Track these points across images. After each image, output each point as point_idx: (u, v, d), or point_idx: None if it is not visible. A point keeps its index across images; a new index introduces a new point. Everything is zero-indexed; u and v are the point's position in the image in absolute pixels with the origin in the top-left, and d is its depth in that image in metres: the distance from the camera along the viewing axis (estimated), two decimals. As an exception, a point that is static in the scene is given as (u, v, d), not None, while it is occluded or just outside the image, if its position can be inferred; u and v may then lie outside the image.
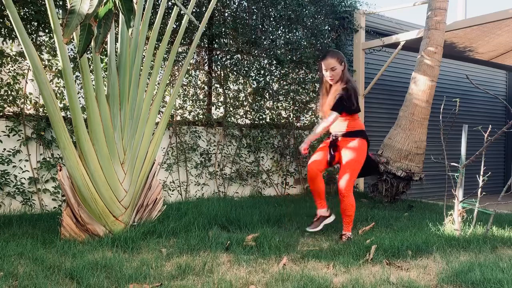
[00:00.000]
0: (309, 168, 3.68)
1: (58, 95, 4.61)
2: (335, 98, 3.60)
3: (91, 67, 3.45)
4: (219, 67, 5.83)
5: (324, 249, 3.24)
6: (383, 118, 7.56)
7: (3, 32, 4.30)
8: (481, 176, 3.73)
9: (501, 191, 3.77)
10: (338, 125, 3.72)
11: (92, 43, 3.01)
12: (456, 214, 3.76)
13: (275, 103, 6.30)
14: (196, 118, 5.64)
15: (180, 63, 5.45)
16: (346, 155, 3.62)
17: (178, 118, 5.52)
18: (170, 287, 2.41)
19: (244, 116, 6.07)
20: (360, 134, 3.70)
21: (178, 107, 5.51)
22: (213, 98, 5.88)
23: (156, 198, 3.78)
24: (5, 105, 4.38)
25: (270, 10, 6.21)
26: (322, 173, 3.69)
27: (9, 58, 4.37)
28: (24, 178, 4.42)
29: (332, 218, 3.81)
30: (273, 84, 6.27)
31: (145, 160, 3.64)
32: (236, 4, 6.02)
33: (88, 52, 4.26)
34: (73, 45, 4.60)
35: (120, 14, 3.52)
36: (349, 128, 3.68)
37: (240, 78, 6.03)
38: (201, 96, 5.76)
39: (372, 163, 3.81)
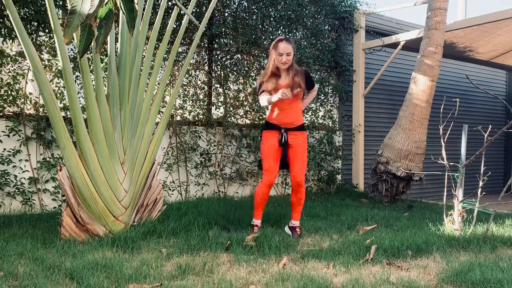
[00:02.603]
0: (269, 183, 3.72)
1: (58, 95, 4.61)
2: (296, 78, 3.60)
3: (91, 67, 3.45)
4: (219, 67, 5.83)
5: (324, 249, 3.24)
6: (383, 118, 7.55)
7: (3, 32, 4.30)
8: (481, 176, 3.73)
9: (501, 191, 3.77)
10: (292, 115, 3.66)
11: (93, 43, 3.01)
12: (456, 214, 3.76)
13: (275, 103, 6.29)
14: (196, 118, 5.64)
15: (180, 63, 5.45)
16: (301, 149, 3.70)
17: (178, 118, 5.52)
18: (170, 287, 2.41)
19: (244, 116, 6.07)
20: (305, 127, 3.83)
21: (178, 107, 5.51)
22: (213, 98, 5.88)
23: (156, 198, 3.78)
24: (5, 105, 4.38)
25: (270, 10, 6.21)
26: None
27: (9, 58, 4.38)
28: (24, 178, 4.43)
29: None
30: (273, 84, 6.27)
31: (145, 160, 3.64)
32: (236, 4, 6.02)
33: (88, 52, 4.26)
34: (73, 45, 4.60)
35: (120, 14, 3.52)
36: (301, 120, 3.72)
37: (240, 78, 6.02)
38: (201, 96, 5.76)
39: None
